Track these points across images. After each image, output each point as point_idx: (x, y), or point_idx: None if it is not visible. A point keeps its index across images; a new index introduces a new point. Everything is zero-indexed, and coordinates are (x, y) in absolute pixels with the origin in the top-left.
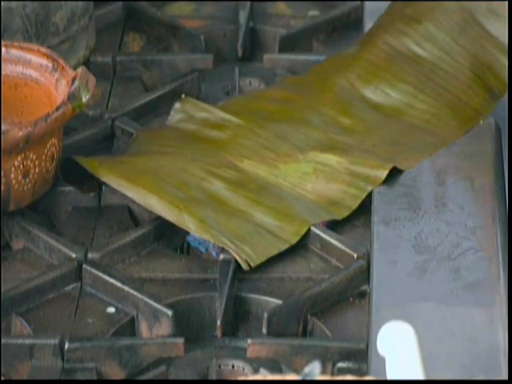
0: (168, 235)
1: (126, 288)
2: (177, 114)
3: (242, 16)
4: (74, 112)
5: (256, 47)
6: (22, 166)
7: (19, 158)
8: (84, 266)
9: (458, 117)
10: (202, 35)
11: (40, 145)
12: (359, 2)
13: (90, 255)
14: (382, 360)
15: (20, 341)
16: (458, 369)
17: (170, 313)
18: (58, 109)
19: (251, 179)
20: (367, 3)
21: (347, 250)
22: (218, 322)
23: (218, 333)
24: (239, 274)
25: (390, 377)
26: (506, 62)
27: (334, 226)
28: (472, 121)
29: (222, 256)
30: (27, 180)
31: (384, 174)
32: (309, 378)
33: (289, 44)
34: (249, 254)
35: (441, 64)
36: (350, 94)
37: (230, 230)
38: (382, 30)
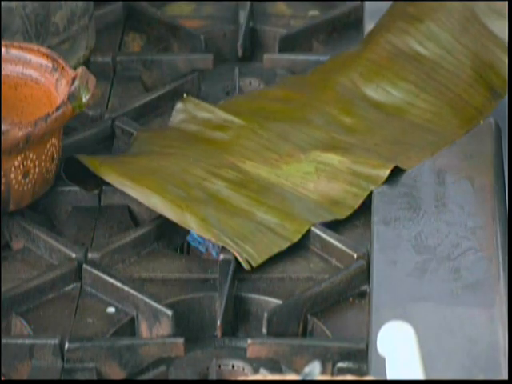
0: (168, 235)
1: (126, 288)
2: (179, 113)
3: (242, 16)
4: (74, 112)
5: (256, 47)
6: (21, 166)
7: (19, 158)
8: (84, 266)
9: (460, 115)
10: (202, 35)
11: (40, 145)
12: (359, 2)
13: (90, 255)
14: (382, 360)
15: (20, 341)
16: (458, 369)
17: (169, 313)
18: (57, 109)
19: (253, 179)
20: (367, 3)
21: (347, 250)
22: (218, 322)
23: (218, 333)
24: (239, 274)
25: (390, 377)
26: (507, 60)
27: (334, 225)
28: (473, 119)
29: (221, 256)
30: (27, 180)
31: (386, 173)
32: (309, 378)
33: (289, 44)
34: (250, 253)
35: (442, 63)
36: (351, 93)
37: (231, 229)
38: (384, 28)
